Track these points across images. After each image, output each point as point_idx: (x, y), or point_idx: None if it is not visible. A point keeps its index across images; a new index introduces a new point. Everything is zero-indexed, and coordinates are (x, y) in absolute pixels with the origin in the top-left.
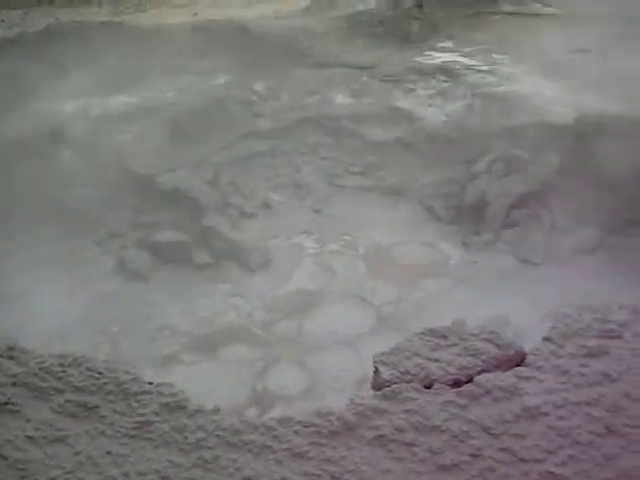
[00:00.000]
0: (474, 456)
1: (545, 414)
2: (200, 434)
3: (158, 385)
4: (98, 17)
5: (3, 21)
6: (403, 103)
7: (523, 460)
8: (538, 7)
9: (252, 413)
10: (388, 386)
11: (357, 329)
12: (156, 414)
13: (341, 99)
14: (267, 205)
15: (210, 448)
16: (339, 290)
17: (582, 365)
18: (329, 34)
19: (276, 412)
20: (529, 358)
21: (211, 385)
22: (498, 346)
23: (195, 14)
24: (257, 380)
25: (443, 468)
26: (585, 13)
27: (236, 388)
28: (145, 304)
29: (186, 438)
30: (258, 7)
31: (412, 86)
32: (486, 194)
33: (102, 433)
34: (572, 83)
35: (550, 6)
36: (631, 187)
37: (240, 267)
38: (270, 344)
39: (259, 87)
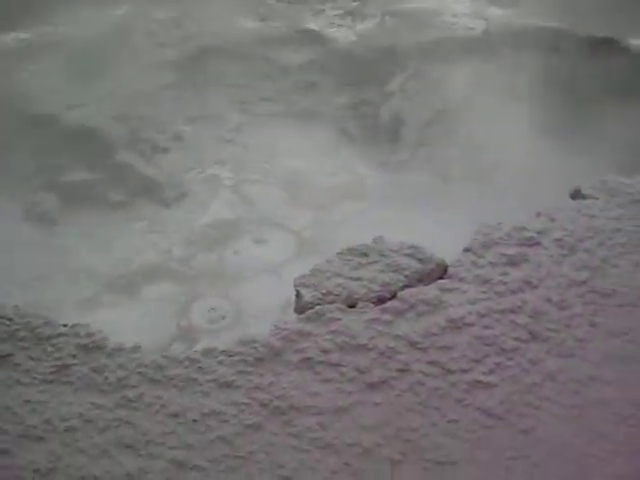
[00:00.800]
0: (402, 371)
1: (470, 324)
2: (121, 373)
3: (73, 326)
4: None
5: None
6: (312, 24)
7: (451, 371)
8: None
9: (178, 349)
10: (311, 308)
11: (278, 256)
12: (73, 356)
13: (248, 23)
14: (179, 138)
15: (133, 387)
16: (258, 218)
17: (503, 273)
18: None
19: (203, 345)
20: (451, 270)
21: (135, 325)
22: (419, 260)
23: None
24: (181, 316)
25: (372, 386)
26: None
27: (160, 325)
28: (59, 249)
29: (107, 378)
30: None
31: (321, 6)
32: (400, 113)
33: (18, 381)
34: None
35: None
36: (542, 98)
37: (155, 203)
38: (191, 278)
39: (161, 15)
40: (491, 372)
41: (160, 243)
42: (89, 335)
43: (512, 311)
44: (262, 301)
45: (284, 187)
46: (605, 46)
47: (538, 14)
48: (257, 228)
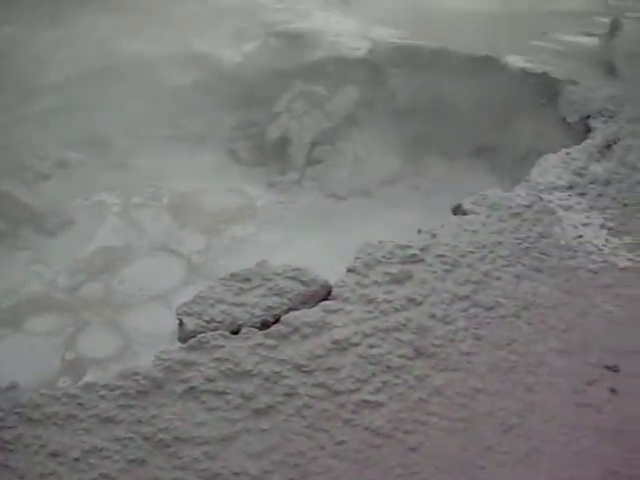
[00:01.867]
0: (289, 395)
1: (355, 344)
2: None
3: None
4: None
5: None
6: (199, 46)
7: (338, 393)
8: None
9: (65, 382)
10: (194, 336)
11: (168, 282)
12: None
13: (135, 45)
14: (64, 164)
15: (9, 428)
16: (146, 244)
17: (387, 292)
18: None
19: (90, 378)
20: (335, 291)
21: (19, 360)
22: (303, 282)
23: None
24: (67, 348)
25: (258, 412)
26: None
27: (46, 359)
28: None
29: None
30: None
31: (208, 28)
32: (287, 133)
33: None
34: (366, 16)
35: None
36: (427, 116)
37: (39, 232)
38: (78, 308)
39: (47, 37)
40: (378, 391)
41: (45, 273)
42: None
43: (397, 329)
44: (151, 330)
45: (173, 211)
46: (485, 64)
47: (421, 34)
48: (146, 254)
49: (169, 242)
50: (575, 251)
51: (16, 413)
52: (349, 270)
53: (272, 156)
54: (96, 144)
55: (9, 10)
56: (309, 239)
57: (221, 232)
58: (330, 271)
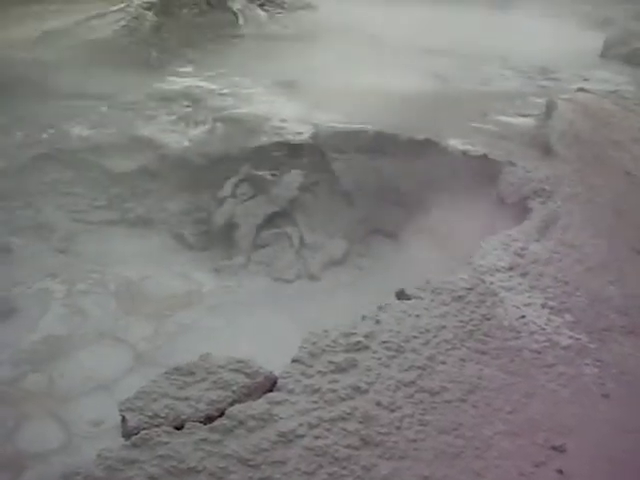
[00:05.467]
0: None
1: (301, 436)
2: None
3: None
4: None
5: None
6: (145, 131)
7: None
8: (277, 29)
9: (4, 478)
10: (137, 433)
11: (113, 371)
12: None
13: (80, 131)
14: (7, 250)
15: None
16: (91, 332)
17: (332, 381)
18: (64, 64)
19: (30, 474)
20: (280, 382)
21: None
22: (247, 375)
23: None
24: (6, 441)
25: None
26: (322, 33)
27: None
28: None
29: None
30: None
31: (153, 113)
32: (233, 217)
33: None
34: (309, 101)
35: (288, 27)
36: (369, 198)
37: None
38: (19, 400)
39: None
40: None
41: None
42: None
43: (343, 418)
44: (93, 423)
45: (118, 297)
46: (425, 146)
47: (361, 119)
48: (90, 342)
49: (115, 329)
50: (518, 332)
51: None
52: (294, 360)
53: (218, 241)
54: (40, 230)
55: None
56: (254, 326)
57: (167, 318)
58: (275, 360)
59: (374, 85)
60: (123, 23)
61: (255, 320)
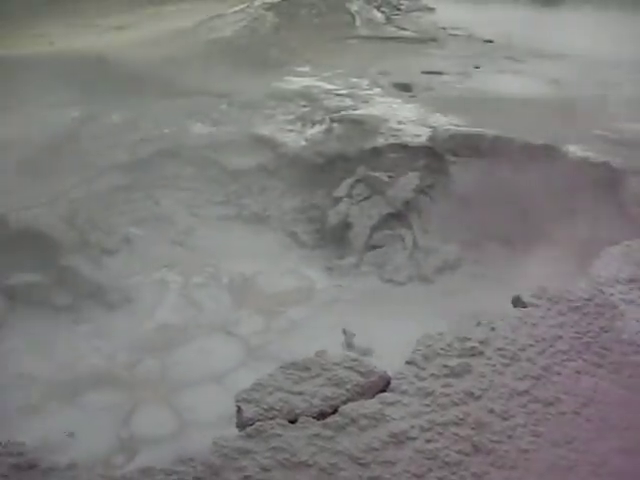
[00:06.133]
0: None
1: (412, 438)
2: None
3: (6, 445)
4: None
5: None
6: (263, 129)
7: None
8: (394, 30)
9: (117, 461)
10: (252, 424)
11: (224, 363)
12: (4, 477)
13: (200, 128)
14: (128, 240)
15: None
16: (204, 323)
17: (445, 385)
18: (189, 62)
19: (142, 458)
20: (393, 383)
21: (75, 435)
22: (361, 373)
23: (51, 43)
24: (122, 425)
25: None
26: (440, 36)
27: (101, 435)
28: (2, 352)
29: None
30: (117, 35)
31: (272, 112)
32: (348, 217)
33: None
34: (427, 104)
35: (406, 29)
36: (486, 203)
37: (101, 307)
38: (135, 386)
39: (116, 119)
40: None
41: (104, 348)
42: (23, 454)
43: (455, 423)
44: (205, 412)
45: (232, 291)
46: (543, 152)
47: (480, 122)
48: (203, 334)
49: (227, 323)
50: (638, 346)
51: None
52: (408, 362)
53: (332, 240)
54: (160, 222)
55: (77, 93)
56: (367, 324)
57: (279, 314)
58: (388, 359)
59: (491, 89)
60: (244, 23)
61: (366, 320)
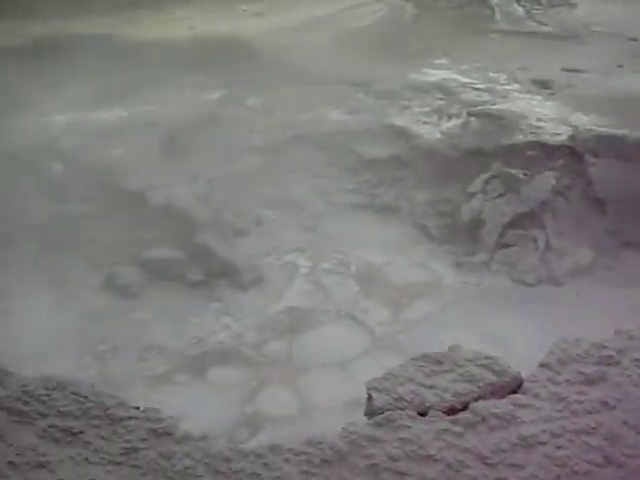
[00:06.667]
0: None
1: (542, 443)
2: (188, 462)
3: (145, 410)
4: (89, 28)
5: None
6: (398, 120)
7: None
8: (534, 25)
9: (241, 436)
10: (381, 413)
11: (349, 350)
12: (143, 440)
13: (336, 116)
14: (260, 222)
15: (198, 476)
16: (331, 309)
17: (580, 392)
18: (325, 50)
19: (265, 435)
20: (526, 385)
21: (200, 407)
22: (494, 372)
23: (190, 27)
24: (247, 402)
25: None
26: (581, 32)
27: (225, 410)
28: (134, 322)
29: (174, 466)
30: (255, 21)
31: (407, 103)
32: (481, 214)
33: (86, 459)
34: (567, 102)
35: (546, 25)
36: (625, 208)
37: (232, 285)
38: (261, 365)
39: (253, 103)
40: None
41: (233, 326)
42: (160, 420)
43: (587, 432)
44: (329, 396)
45: (360, 280)
46: None
47: (625, 123)
48: (330, 320)
49: (354, 310)
50: None
51: (205, 464)
52: (541, 365)
53: (462, 235)
54: (291, 206)
55: (219, 77)
56: (497, 323)
57: (406, 306)
58: (519, 361)
59: (635, 89)
60: (383, 13)
61: (495, 319)
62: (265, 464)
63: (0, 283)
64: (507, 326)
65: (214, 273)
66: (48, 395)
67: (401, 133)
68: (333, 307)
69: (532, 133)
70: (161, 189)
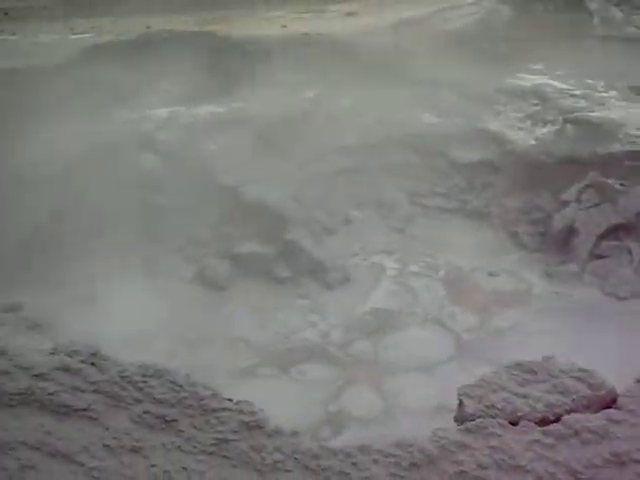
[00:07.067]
0: None
1: (636, 461)
2: (278, 456)
3: (238, 403)
4: (187, 26)
5: (93, 28)
6: (491, 124)
7: None
8: (633, 31)
9: (324, 434)
10: (472, 420)
11: (435, 355)
12: (234, 432)
13: (428, 118)
14: (349, 222)
15: (287, 471)
16: (418, 313)
17: None
18: (419, 51)
19: (350, 434)
20: (621, 400)
21: (284, 402)
22: (589, 385)
23: (284, 26)
24: (331, 400)
25: None
26: None
27: (310, 407)
28: (223, 314)
29: (264, 459)
30: (348, 21)
31: (501, 108)
32: (574, 223)
33: (179, 447)
34: None
35: None
36: None
37: (319, 283)
38: (346, 364)
39: (347, 102)
40: None
41: (319, 324)
42: (252, 413)
43: None
44: (414, 399)
45: (447, 284)
46: None
47: None
48: (416, 323)
49: (441, 315)
50: None
51: (295, 459)
52: (638, 381)
53: (554, 245)
54: (381, 207)
55: (311, 75)
56: (589, 336)
57: (494, 314)
58: (612, 375)
59: None
60: (478, 16)
61: (586, 331)
62: (354, 464)
63: (94, 270)
64: (600, 339)
65: (302, 270)
66: (145, 382)
67: (494, 138)
68: (420, 310)
69: (631, 142)
70: (253, 185)
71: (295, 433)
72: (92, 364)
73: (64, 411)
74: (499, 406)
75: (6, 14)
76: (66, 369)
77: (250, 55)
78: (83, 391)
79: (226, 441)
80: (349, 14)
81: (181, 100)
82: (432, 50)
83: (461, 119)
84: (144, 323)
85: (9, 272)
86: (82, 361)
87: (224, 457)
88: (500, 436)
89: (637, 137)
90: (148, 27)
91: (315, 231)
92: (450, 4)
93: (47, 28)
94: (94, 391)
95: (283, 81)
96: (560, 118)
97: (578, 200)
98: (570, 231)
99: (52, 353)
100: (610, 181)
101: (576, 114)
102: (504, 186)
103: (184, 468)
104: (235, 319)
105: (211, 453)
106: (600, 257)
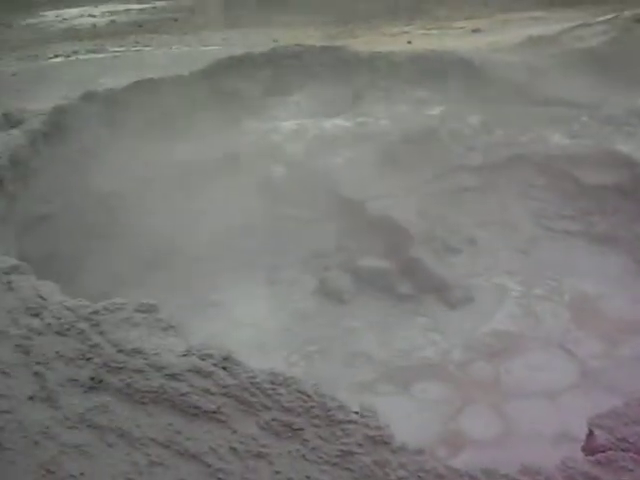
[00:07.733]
0: None
1: None
2: (402, 472)
3: (364, 416)
4: (312, 40)
5: (223, 40)
6: (623, 147)
7: None
8: None
9: (441, 453)
10: (602, 451)
11: (558, 381)
12: (359, 445)
13: (557, 139)
14: (472, 241)
15: None
16: (541, 337)
17: None
18: (548, 70)
19: (467, 455)
20: None
21: (403, 419)
22: None
23: (409, 42)
24: (449, 419)
25: None
26: None
27: (428, 425)
28: (343, 327)
29: (387, 475)
30: (473, 38)
31: (633, 129)
32: None
33: (303, 456)
34: None
35: None
36: None
37: (441, 302)
38: (465, 384)
39: (473, 120)
40: None
41: (440, 343)
42: (378, 428)
43: None
44: (535, 425)
45: (572, 309)
46: None
47: None
48: (539, 347)
49: (565, 341)
50: None
51: (419, 477)
52: None
53: None
54: (504, 227)
55: (439, 92)
56: None
57: (621, 342)
58: None
59: None
60: (612, 35)
61: None
62: None
63: (219, 278)
64: None
65: (424, 288)
66: (274, 389)
67: (625, 161)
68: (543, 334)
69: None
70: (377, 200)
71: (420, 451)
72: (224, 368)
73: (194, 412)
74: (631, 440)
75: (140, 26)
76: (198, 371)
77: (377, 70)
78: (213, 394)
79: (351, 454)
80: (475, 31)
81: (309, 113)
82: (562, 69)
83: (591, 140)
84: (264, 330)
85: (144, 277)
86: (214, 364)
87: (347, 469)
88: (632, 471)
89: None
90: (275, 40)
91: (438, 249)
92: (579, 23)
93: (178, 40)
94: (224, 395)
95: (409, 97)
96: None
97: None
98: None
99: (185, 355)
100: None
101: None
102: (633, 210)
103: (307, 477)
104: (355, 333)
105: (335, 464)
106: None
